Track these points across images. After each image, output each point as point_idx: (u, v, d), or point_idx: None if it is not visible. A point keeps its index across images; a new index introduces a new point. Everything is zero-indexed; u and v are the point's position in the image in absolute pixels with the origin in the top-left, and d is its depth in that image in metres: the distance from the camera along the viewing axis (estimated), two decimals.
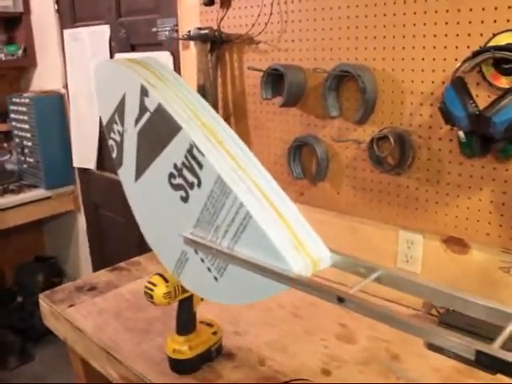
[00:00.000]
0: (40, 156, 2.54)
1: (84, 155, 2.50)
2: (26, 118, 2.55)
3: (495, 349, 0.48)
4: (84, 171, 2.59)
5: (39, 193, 2.58)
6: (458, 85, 0.95)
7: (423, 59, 1.08)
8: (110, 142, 0.94)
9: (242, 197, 0.69)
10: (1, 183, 2.59)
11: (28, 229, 2.87)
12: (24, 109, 2.53)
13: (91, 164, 2.45)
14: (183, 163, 0.76)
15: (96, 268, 2.68)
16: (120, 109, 0.88)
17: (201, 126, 0.77)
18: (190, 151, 0.74)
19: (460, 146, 1.00)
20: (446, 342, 0.52)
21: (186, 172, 0.76)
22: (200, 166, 0.74)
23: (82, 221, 2.77)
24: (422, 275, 1.21)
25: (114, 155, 0.94)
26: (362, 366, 1.02)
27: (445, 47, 1.04)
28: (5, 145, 2.85)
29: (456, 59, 1.01)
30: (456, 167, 1.08)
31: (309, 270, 0.67)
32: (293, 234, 0.69)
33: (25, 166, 2.69)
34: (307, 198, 1.41)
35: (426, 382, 0.96)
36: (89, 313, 1.27)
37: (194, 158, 0.74)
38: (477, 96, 0.97)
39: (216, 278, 0.77)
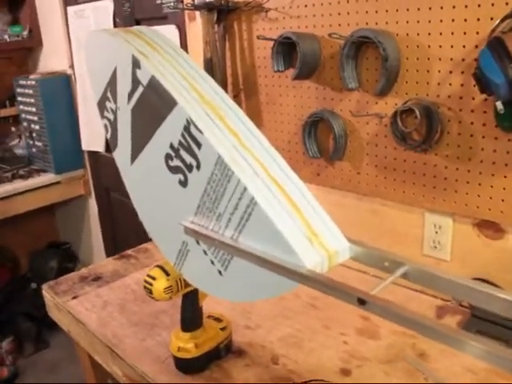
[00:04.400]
0: (48, 140, 2.47)
1: (92, 138, 2.42)
2: (32, 100, 2.47)
3: None
4: (93, 154, 2.53)
5: (49, 177, 2.52)
6: (497, 46, 0.82)
7: (453, 20, 0.96)
8: (104, 122, 0.87)
9: (245, 180, 0.60)
10: (10, 169, 2.55)
11: (40, 215, 2.85)
12: (30, 91, 2.46)
13: (100, 147, 2.38)
14: (180, 142, 0.68)
15: (109, 252, 2.65)
16: (112, 84, 0.80)
17: (199, 99, 0.69)
18: (186, 129, 0.66)
19: (497, 119, 0.89)
20: (490, 358, 0.42)
21: (183, 152, 0.68)
22: (198, 145, 0.65)
23: (93, 205, 2.73)
24: (452, 263, 1.11)
25: (109, 136, 0.88)
26: (386, 365, 0.92)
27: (479, 6, 0.91)
28: (13, 129, 2.78)
29: (492, 18, 0.89)
30: (491, 142, 0.97)
31: (324, 265, 0.58)
32: (305, 223, 0.60)
33: (34, 150, 2.62)
34: (324, 179, 1.30)
35: (457, 383, 0.86)
36: (92, 305, 1.21)
37: (192, 136, 0.66)
38: None
39: (220, 272, 0.69)
